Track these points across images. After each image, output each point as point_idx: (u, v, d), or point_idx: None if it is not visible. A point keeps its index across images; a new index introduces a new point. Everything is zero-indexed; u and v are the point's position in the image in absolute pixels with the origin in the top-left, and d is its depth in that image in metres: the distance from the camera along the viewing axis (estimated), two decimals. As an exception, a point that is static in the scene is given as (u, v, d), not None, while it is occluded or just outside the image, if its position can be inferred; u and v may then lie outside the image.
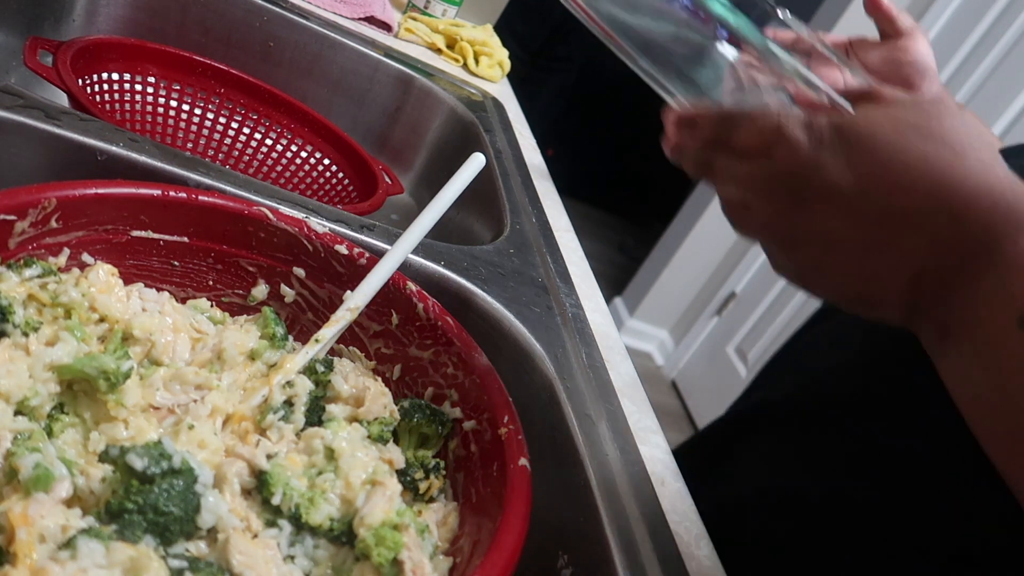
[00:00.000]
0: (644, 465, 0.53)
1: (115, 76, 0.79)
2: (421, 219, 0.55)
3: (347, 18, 1.10)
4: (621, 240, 3.23)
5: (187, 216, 0.50)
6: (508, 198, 0.81)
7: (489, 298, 0.60)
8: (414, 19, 1.23)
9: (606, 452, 0.53)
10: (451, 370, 0.51)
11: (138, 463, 0.34)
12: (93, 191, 0.46)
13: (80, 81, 0.74)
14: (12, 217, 0.42)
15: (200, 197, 0.50)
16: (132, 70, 0.80)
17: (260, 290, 0.54)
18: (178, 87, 0.84)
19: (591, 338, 0.64)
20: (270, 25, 0.91)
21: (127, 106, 0.81)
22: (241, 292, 0.54)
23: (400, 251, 0.52)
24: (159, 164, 0.54)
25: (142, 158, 0.53)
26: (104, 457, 0.35)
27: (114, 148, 0.53)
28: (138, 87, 0.82)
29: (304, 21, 0.95)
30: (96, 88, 0.77)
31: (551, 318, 0.63)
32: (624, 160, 3.18)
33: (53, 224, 0.44)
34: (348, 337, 0.53)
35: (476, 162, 0.57)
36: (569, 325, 0.64)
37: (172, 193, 0.49)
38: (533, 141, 1.08)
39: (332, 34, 0.95)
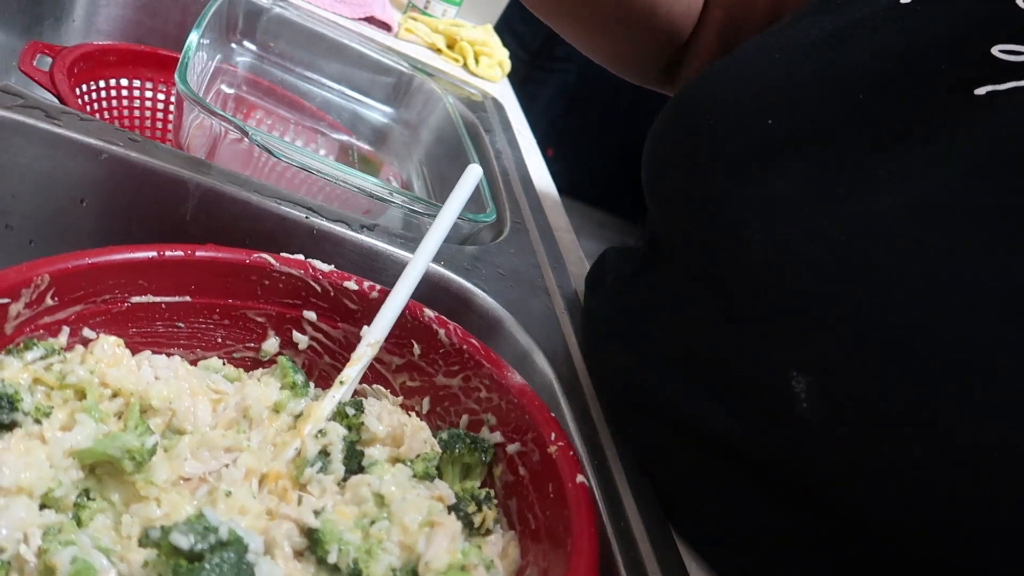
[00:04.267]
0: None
1: (124, 82, 0.78)
2: (424, 244, 0.53)
3: (347, 18, 1.09)
4: (621, 240, 3.21)
5: (186, 274, 0.48)
6: (508, 198, 0.80)
7: (489, 298, 0.59)
8: (414, 19, 1.23)
9: (606, 452, 0.51)
10: (484, 393, 0.49)
11: (183, 541, 0.32)
12: (87, 261, 0.43)
13: (84, 87, 0.73)
14: (6, 300, 0.39)
15: (197, 253, 0.48)
16: (137, 76, 0.80)
17: (271, 343, 0.51)
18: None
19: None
20: (270, 25, 0.90)
21: (126, 112, 0.80)
22: (252, 345, 0.51)
23: (411, 279, 0.50)
24: (159, 164, 0.52)
25: (142, 158, 0.52)
26: (145, 541, 0.33)
27: (114, 148, 0.51)
28: (146, 93, 0.81)
29: (304, 21, 0.94)
30: (98, 95, 0.76)
31: (551, 318, 0.62)
32: (624, 160, 3.16)
33: (49, 301, 0.42)
34: (371, 375, 0.51)
35: (473, 175, 0.55)
36: (569, 325, 0.62)
37: (168, 253, 0.47)
38: (533, 141, 1.06)
39: (332, 34, 0.94)
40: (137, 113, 0.81)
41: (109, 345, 0.42)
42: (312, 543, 0.37)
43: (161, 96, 0.82)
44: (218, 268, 0.49)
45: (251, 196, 0.55)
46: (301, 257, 0.51)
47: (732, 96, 0.47)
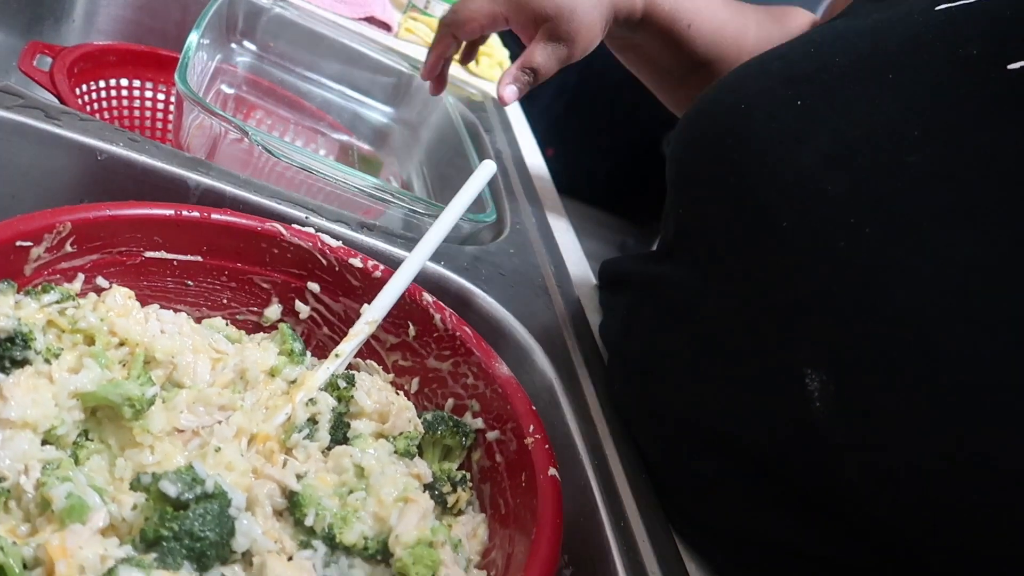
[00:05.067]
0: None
1: (124, 82, 0.78)
2: (434, 229, 0.54)
3: (347, 18, 1.10)
4: (621, 240, 3.19)
5: (200, 235, 0.50)
6: (508, 198, 0.81)
7: (489, 298, 0.60)
8: (414, 19, 1.23)
9: (606, 452, 0.53)
10: (471, 380, 0.50)
11: (171, 489, 0.34)
12: (107, 213, 0.45)
13: (84, 87, 0.73)
14: (28, 243, 0.41)
15: (213, 216, 0.50)
16: (137, 76, 0.80)
17: (273, 310, 0.53)
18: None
19: (591, 338, 0.64)
20: (270, 25, 0.91)
21: (126, 112, 0.81)
22: (256, 309, 0.54)
23: (415, 262, 0.52)
24: (159, 164, 0.53)
25: (142, 158, 0.52)
26: (136, 485, 0.35)
27: (114, 148, 0.52)
28: (146, 93, 0.82)
29: (304, 21, 0.94)
30: (98, 95, 0.77)
31: (551, 318, 0.63)
32: (624, 160, 3.15)
33: (68, 248, 0.44)
34: (365, 351, 0.53)
35: (487, 169, 0.56)
36: (569, 325, 0.64)
37: (185, 212, 0.49)
38: (533, 141, 1.07)
39: (332, 34, 0.95)
40: (137, 113, 0.81)
41: (121, 296, 0.44)
42: (292, 505, 0.39)
43: (161, 96, 0.83)
44: (231, 232, 0.51)
45: (251, 196, 0.55)
46: (311, 230, 0.53)
47: (765, 82, 0.47)
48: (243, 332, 0.52)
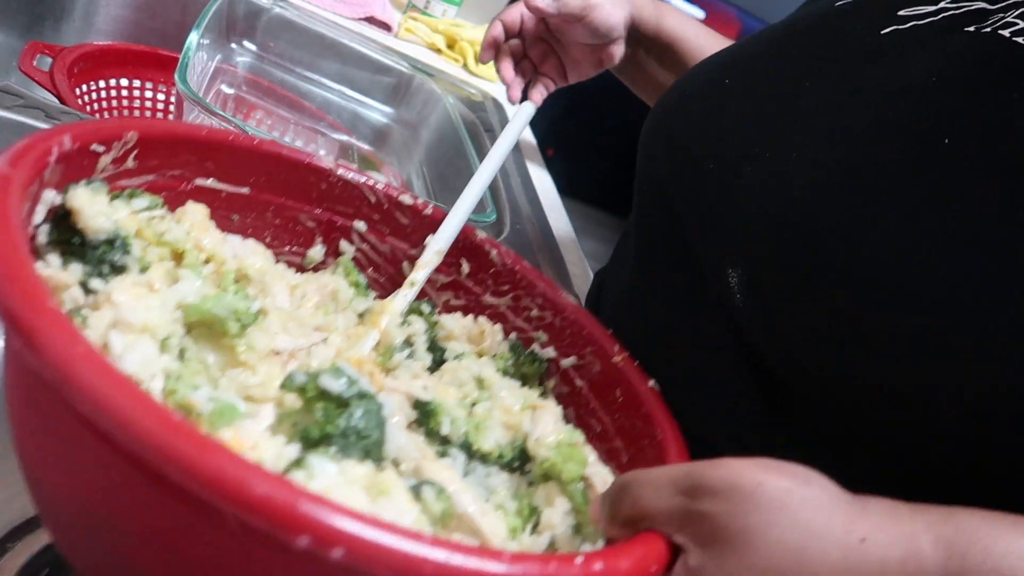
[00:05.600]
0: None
1: (124, 82, 0.77)
2: (489, 159, 0.54)
3: (347, 18, 1.09)
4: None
5: (250, 164, 0.47)
6: (508, 198, 0.81)
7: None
8: (414, 19, 1.22)
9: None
10: (536, 312, 0.50)
11: (334, 385, 0.32)
12: (169, 127, 0.42)
13: (84, 87, 0.73)
14: (101, 148, 0.37)
15: (266, 145, 0.47)
16: (137, 76, 0.79)
17: (317, 250, 0.51)
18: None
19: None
20: (270, 25, 0.89)
21: (126, 112, 0.79)
22: (298, 249, 0.51)
23: (475, 190, 0.51)
24: None
25: None
26: (289, 385, 0.32)
27: None
28: (146, 93, 0.80)
29: (304, 21, 0.93)
30: (98, 95, 0.76)
31: None
32: (624, 160, 3.13)
33: (129, 163, 0.40)
34: (414, 291, 0.51)
35: (526, 111, 0.57)
36: None
37: (240, 138, 0.46)
38: (533, 141, 1.07)
39: (332, 34, 0.94)
40: (137, 113, 0.80)
41: (199, 213, 0.40)
42: (423, 415, 0.37)
43: (161, 96, 0.81)
44: (281, 163, 0.48)
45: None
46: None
47: (706, 72, 0.55)
48: (292, 270, 0.49)
